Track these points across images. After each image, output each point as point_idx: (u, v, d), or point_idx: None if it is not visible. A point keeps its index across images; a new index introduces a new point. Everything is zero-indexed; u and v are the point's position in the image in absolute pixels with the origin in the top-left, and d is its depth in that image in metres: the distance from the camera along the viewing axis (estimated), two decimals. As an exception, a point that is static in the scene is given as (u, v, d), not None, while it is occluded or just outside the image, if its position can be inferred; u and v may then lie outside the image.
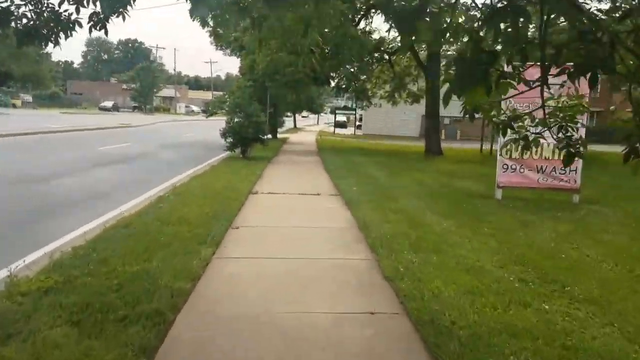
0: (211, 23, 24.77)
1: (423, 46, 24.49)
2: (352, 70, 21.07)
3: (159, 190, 10.45)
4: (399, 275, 4.96)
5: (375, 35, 26.13)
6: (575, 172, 10.45)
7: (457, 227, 7.54)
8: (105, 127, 34.08)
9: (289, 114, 46.99)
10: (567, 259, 6.21)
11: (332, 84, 23.89)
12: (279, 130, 34.52)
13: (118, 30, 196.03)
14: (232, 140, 16.96)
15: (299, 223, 7.77)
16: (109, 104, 79.32)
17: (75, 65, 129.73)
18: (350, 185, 11.39)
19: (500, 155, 10.56)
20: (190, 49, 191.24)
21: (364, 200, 9.52)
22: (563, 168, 10.44)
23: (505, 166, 10.59)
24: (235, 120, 17.08)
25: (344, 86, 22.67)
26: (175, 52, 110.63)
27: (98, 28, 4.04)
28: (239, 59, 28.90)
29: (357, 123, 56.13)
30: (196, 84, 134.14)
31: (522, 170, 10.56)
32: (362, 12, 23.03)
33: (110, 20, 4.16)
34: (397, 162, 19.05)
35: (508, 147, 10.54)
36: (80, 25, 4.14)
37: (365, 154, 21.96)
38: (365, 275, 5.22)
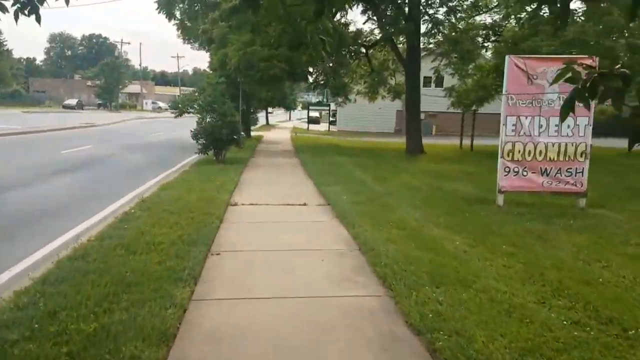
0: (178, 15, 23.32)
1: (401, 38, 23.65)
2: (330, 65, 20.01)
3: (124, 203, 9.25)
4: (429, 325, 3.96)
5: (351, 28, 25.19)
6: (582, 174, 9.66)
7: (470, 244, 6.61)
8: (67, 127, 32.25)
9: (260, 110, 45.61)
10: (605, 284, 5.34)
11: (310, 79, 22.74)
12: (252, 127, 33.30)
13: (80, 25, 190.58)
14: (204, 142, 15.72)
15: (289, 244, 6.71)
16: (73, 101, 76.49)
17: (38, 62, 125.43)
18: (337, 193, 10.37)
19: (502, 157, 9.69)
20: (157, 44, 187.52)
21: (357, 212, 8.52)
22: (569, 170, 9.67)
23: (507, 169, 9.72)
24: (208, 120, 15.83)
25: (322, 82, 21.57)
26: (141, 46, 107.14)
27: (27, 13, 2.90)
28: (208, 53, 27.57)
29: (331, 119, 55.29)
30: (162, 79, 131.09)
31: (525, 173, 9.70)
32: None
33: (45, 3, 3.02)
34: (381, 162, 18.11)
35: (510, 148, 9.82)
36: (4, 10, 3.00)
37: (344, 154, 20.96)
38: (383, 322, 4.21)
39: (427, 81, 38.36)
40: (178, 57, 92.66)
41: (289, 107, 59.40)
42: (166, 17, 25.77)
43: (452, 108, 26.25)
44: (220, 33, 20.76)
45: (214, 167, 14.66)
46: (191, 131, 16.02)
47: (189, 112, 16.48)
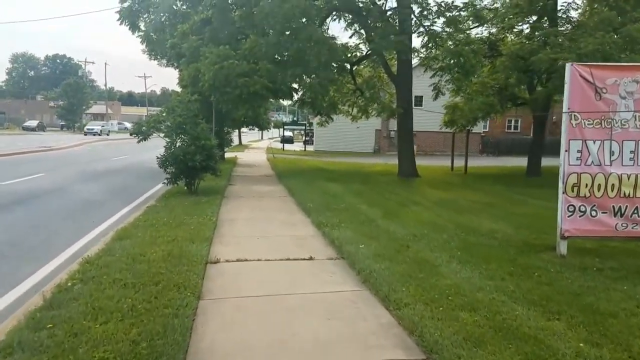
0: (143, 27, 20.62)
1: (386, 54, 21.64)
2: (318, 81, 17.69)
3: (59, 267, 6.66)
4: None
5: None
6: (662, 214, 7.52)
7: (590, 341, 4.28)
8: (21, 151, 29.04)
9: (233, 130, 43.01)
10: None
11: (296, 96, 20.38)
12: (226, 149, 30.67)
13: (44, 45, 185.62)
14: (174, 170, 13.14)
15: (310, 349, 4.26)
16: (33, 123, 72.60)
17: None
18: (350, 240, 7.97)
19: (564, 192, 7.48)
20: (123, 64, 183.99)
21: (390, 274, 6.12)
22: (648, 208, 7.51)
23: (571, 208, 7.48)
24: (178, 144, 13.27)
25: (309, 100, 19.24)
26: (106, 66, 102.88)
27: None
28: (177, 70, 25.05)
29: (305, 138, 53.36)
30: (130, 99, 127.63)
31: (593, 213, 7.47)
32: (323, 14, 19.82)
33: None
34: (379, 190, 15.81)
35: (574, 181, 7.63)
36: None
37: (333, 179, 18.56)
38: None
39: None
40: (145, 76, 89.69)
41: (263, 126, 57.02)
42: (129, 29, 23.23)
43: (444, 127, 24.41)
44: (191, 46, 18.35)
45: (186, 200, 12.09)
46: (157, 158, 13.43)
47: (153, 136, 13.72)
